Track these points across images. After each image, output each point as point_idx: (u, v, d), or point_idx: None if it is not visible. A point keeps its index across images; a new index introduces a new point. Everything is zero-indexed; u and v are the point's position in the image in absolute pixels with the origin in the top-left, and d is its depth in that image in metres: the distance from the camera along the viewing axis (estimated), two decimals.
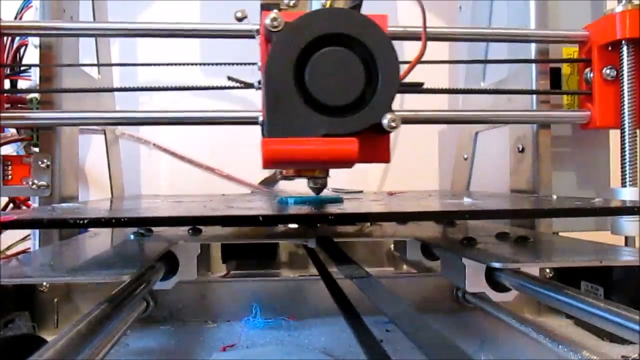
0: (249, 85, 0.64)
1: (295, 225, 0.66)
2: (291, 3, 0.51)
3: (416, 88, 0.59)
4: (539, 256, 0.50)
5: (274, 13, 0.44)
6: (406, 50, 1.01)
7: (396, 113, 0.44)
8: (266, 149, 0.42)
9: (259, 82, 0.60)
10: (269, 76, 0.44)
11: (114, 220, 0.39)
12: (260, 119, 0.53)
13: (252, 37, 0.56)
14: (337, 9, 0.47)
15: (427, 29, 0.60)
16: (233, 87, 0.66)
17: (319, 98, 0.44)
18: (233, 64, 0.69)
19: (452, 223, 0.70)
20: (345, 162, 0.44)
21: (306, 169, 0.49)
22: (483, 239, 0.55)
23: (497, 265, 0.43)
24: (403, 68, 0.47)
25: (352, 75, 0.44)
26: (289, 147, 0.43)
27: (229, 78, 0.65)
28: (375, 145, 0.48)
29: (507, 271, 0.45)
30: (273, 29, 0.44)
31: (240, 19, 0.52)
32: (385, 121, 0.44)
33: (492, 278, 0.48)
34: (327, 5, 0.48)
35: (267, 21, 0.44)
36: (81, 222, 0.38)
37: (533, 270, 0.48)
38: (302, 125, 0.44)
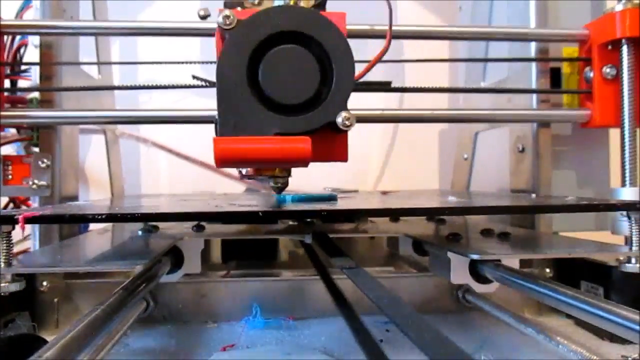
0: (213, 84, 0.64)
1: (293, 222, 0.66)
2: (255, 2, 0.51)
3: (383, 87, 0.59)
4: (516, 249, 0.52)
5: (226, 11, 0.43)
6: (406, 48, 1.01)
7: (351, 112, 0.44)
8: (217, 148, 0.42)
9: None
10: (221, 74, 0.43)
11: (129, 216, 0.40)
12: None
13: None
14: (292, 6, 0.46)
15: (427, 29, 0.60)
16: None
17: (273, 96, 0.44)
18: None
19: (442, 221, 0.71)
20: (299, 161, 0.44)
21: (265, 168, 0.48)
22: (469, 235, 0.57)
23: (476, 257, 0.46)
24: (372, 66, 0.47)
25: (307, 73, 0.44)
26: (241, 145, 0.42)
27: (194, 77, 0.64)
28: (332, 144, 0.48)
29: (488, 264, 0.47)
30: (226, 27, 0.43)
31: (203, 17, 0.51)
32: (339, 120, 0.44)
33: (475, 271, 0.50)
34: (292, 3, 0.47)
35: (220, 19, 0.43)
36: (100, 217, 0.39)
37: (514, 263, 0.49)
38: (255, 123, 0.43)
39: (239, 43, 0.43)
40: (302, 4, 0.47)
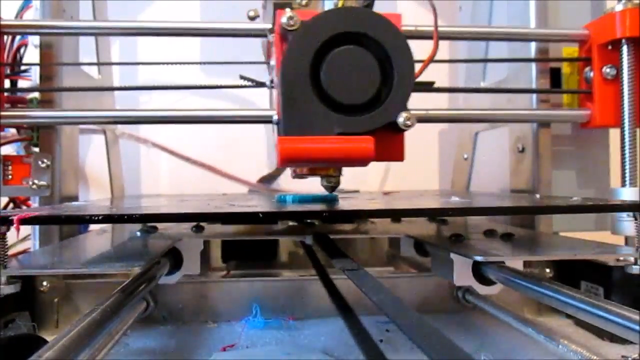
0: (260, 84, 0.64)
1: (293, 223, 0.66)
2: (303, 2, 0.51)
3: (428, 87, 0.60)
4: (521, 251, 0.52)
5: (290, 12, 0.44)
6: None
7: (412, 112, 0.45)
8: (282, 148, 0.43)
9: (271, 82, 0.60)
10: (285, 75, 0.44)
11: (126, 217, 0.39)
12: (276, 117, 0.53)
13: (264, 35, 0.56)
14: (353, 7, 0.47)
15: (427, 28, 0.60)
16: (245, 86, 0.65)
17: (335, 97, 0.44)
18: (239, 62, 0.69)
19: (444, 221, 0.71)
20: (361, 161, 0.45)
21: (321, 167, 0.49)
22: (471, 236, 0.56)
23: (480, 259, 0.46)
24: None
25: (368, 73, 0.45)
26: (305, 145, 0.43)
27: (242, 77, 0.65)
28: (389, 144, 0.48)
29: (492, 265, 0.47)
30: (289, 28, 0.44)
31: (252, 18, 0.52)
32: (400, 120, 0.45)
33: (479, 272, 0.49)
34: (340, 4, 0.48)
35: (284, 20, 0.44)
36: (97, 218, 0.38)
37: (517, 264, 0.49)
38: (317, 123, 0.44)
39: (303, 44, 0.44)
40: (350, 3, 0.48)
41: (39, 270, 0.50)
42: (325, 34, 0.44)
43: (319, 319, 0.65)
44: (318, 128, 0.44)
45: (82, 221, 0.41)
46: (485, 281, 0.50)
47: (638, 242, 0.47)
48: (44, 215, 0.40)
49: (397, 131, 0.46)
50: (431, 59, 0.49)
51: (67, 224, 0.65)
